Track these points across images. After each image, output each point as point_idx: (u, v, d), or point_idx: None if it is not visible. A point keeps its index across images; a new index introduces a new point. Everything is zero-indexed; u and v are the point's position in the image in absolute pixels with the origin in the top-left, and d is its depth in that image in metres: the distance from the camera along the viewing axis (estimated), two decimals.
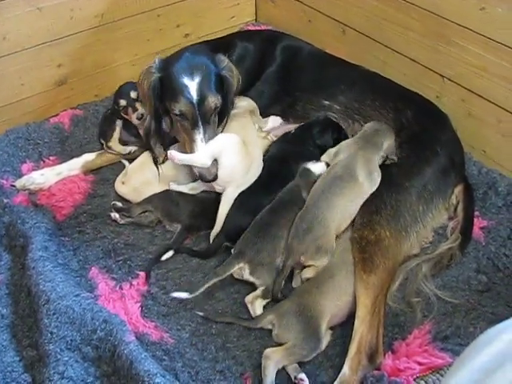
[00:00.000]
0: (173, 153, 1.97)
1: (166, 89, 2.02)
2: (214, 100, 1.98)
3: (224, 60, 2.07)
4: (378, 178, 1.91)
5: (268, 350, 1.63)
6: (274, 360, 1.60)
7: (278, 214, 1.91)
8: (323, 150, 2.10)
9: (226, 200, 2.01)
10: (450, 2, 2.13)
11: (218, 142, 2.01)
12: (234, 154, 2.01)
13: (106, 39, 2.65)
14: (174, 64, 2.01)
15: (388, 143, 2.00)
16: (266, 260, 1.82)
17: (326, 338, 1.67)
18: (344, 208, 1.84)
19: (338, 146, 2.04)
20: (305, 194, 1.95)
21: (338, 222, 1.83)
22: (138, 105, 2.26)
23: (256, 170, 2.07)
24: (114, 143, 2.32)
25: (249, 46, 2.42)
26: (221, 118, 2.12)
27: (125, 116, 2.31)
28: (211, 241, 1.99)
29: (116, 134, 2.33)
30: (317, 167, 2.01)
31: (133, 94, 2.26)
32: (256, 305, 1.80)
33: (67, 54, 2.56)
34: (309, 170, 2.00)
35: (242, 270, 1.83)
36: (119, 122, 2.34)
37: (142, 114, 2.24)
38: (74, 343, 1.65)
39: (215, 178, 1.98)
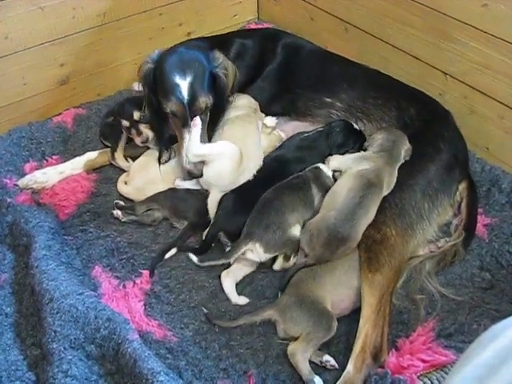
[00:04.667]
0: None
1: (158, 82, 2.02)
2: (204, 100, 1.98)
3: (218, 57, 2.05)
4: (393, 183, 1.89)
5: (290, 348, 1.64)
6: (299, 353, 1.61)
7: (280, 192, 1.91)
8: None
9: (210, 202, 2.01)
10: None
11: (215, 148, 2.01)
12: (227, 162, 1.99)
13: (109, 38, 2.65)
14: (167, 59, 2.00)
15: (405, 150, 1.96)
16: (276, 235, 1.81)
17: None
18: (372, 214, 1.80)
19: (358, 154, 1.97)
20: (315, 189, 1.93)
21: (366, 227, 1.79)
22: (142, 127, 2.22)
23: (244, 179, 2.03)
24: (119, 156, 2.31)
25: (249, 43, 2.42)
26: (216, 115, 2.11)
27: (128, 135, 2.28)
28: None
29: (122, 143, 2.32)
30: (327, 168, 2.00)
31: (135, 116, 2.22)
32: (227, 281, 1.85)
33: (70, 53, 2.56)
34: (321, 170, 1.99)
35: (254, 251, 1.82)
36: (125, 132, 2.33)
37: (147, 138, 2.22)
38: (77, 342, 1.65)
39: (202, 173, 1.99)
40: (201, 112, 2.00)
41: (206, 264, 1.87)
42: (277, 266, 1.87)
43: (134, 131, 2.24)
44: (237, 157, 2.00)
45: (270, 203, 1.87)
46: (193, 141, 1.96)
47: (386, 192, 1.85)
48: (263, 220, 1.84)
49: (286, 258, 1.85)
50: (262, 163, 2.08)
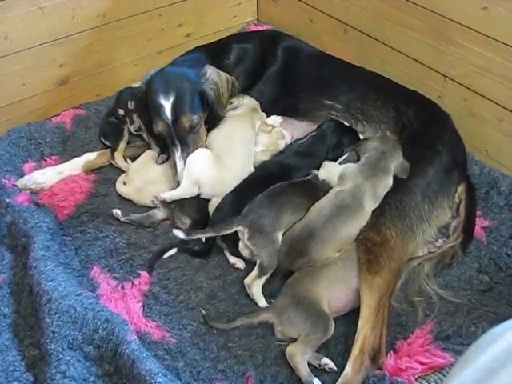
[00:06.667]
0: (163, 195, 2.03)
1: (148, 103, 2.08)
2: (187, 121, 2.02)
3: (207, 73, 2.09)
4: (383, 194, 1.87)
5: (289, 349, 1.64)
6: (298, 354, 1.61)
7: (294, 190, 1.91)
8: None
9: (211, 206, 2.04)
10: (452, 1, 2.13)
11: (188, 170, 2.02)
12: (207, 165, 2.03)
13: (108, 39, 2.65)
14: (154, 80, 2.07)
15: (396, 164, 1.92)
16: (265, 228, 1.81)
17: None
18: (347, 234, 1.80)
19: (342, 170, 1.94)
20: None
21: (340, 246, 1.80)
22: (135, 116, 2.29)
23: (234, 177, 2.04)
24: (119, 157, 2.32)
25: (249, 47, 2.43)
26: (212, 125, 2.16)
27: (123, 122, 2.36)
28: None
29: (122, 144, 2.34)
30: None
31: (130, 105, 2.30)
32: (254, 287, 1.82)
33: (69, 54, 2.56)
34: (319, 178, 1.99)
35: (241, 233, 1.83)
36: (126, 132, 2.37)
37: (140, 127, 2.28)
38: (75, 342, 1.65)
39: None
40: (187, 131, 2.04)
41: (194, 237, 1.87)
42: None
43: (127, 119, 2.32)
44: (208, 156, 2.05)
45: (278, 196, 1.88)
46: (181, 190, 2.02)
47: (373, 206, 1.84)
48: (261, 209, 1.84)
49: (261, 273, 1.81)
50: (252, 161, 2.12)
